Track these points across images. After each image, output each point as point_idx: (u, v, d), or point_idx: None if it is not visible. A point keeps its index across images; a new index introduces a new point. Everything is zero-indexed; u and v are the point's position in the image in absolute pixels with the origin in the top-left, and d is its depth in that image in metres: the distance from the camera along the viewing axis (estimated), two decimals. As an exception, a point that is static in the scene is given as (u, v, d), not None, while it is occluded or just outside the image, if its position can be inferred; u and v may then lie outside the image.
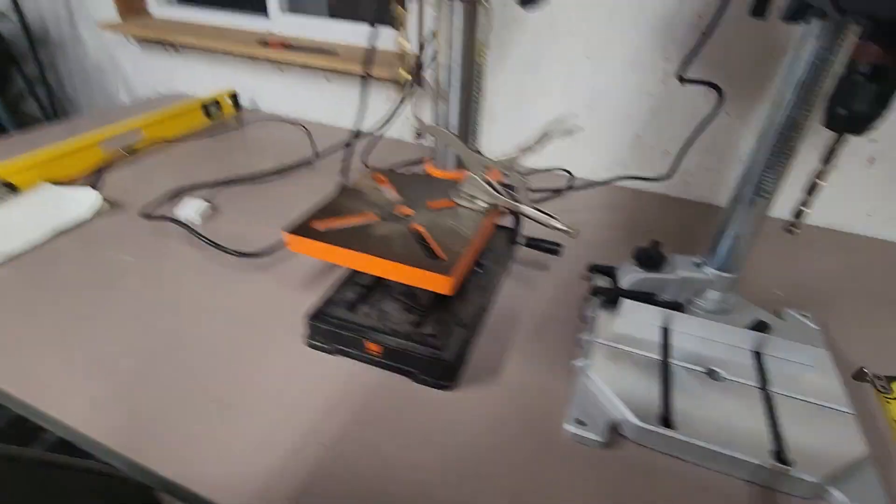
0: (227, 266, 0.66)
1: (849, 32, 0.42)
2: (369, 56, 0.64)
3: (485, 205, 0.53)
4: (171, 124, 1.04)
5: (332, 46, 1.11)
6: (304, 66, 1.12)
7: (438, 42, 0.54)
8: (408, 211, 0.52)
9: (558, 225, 0.48)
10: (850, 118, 0.34)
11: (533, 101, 0.95)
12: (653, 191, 0.93)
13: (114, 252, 0.68)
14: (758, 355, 0.54)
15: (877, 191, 0.80)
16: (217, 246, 0.67)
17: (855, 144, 0.77)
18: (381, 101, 1.09)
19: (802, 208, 0.39)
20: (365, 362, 0.53)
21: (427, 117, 1.07)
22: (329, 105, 1.16)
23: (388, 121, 1.05)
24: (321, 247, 0.47)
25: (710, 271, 0.57)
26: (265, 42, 1.11)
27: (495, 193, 0.51)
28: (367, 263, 0.46)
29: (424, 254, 0.46)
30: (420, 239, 0.48)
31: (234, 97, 1.19)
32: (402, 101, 0.97)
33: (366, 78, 0.66)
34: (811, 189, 0.38)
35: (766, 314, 0.59)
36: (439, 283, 0.44)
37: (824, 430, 0.46)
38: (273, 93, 1.22)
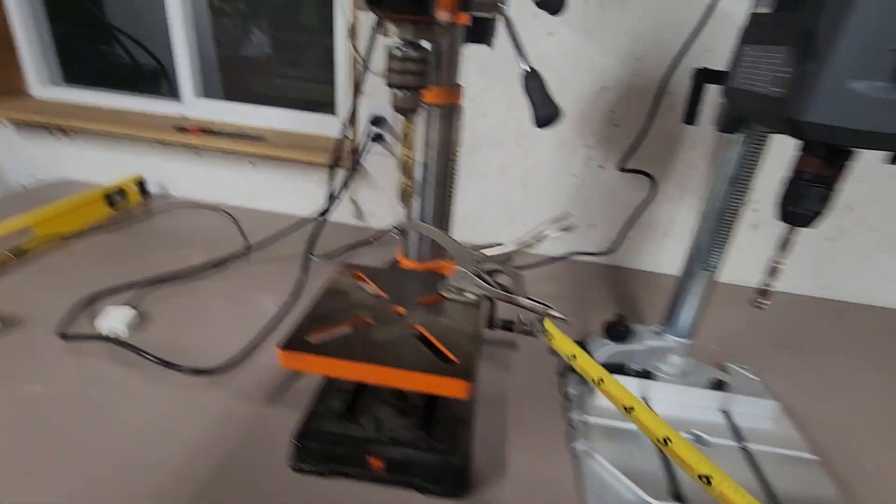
0: (175, 385, 0.58)
1: (773, 138, 0.51)
2: (337, 148, 0.63)
3: (474, 297, 0.53)
4: (69, 218, 0.92)
5: (256, 131, 1.08)
6: (229, 152, 1.07)
7: (414, 141, 0.56)
8: (401, 310, 0.51)
9: (555, 313, 0.49)
10: (800, 215, 0.41)
11: (471, 182, 1.00)
12: (584, 261, 1.01)
13: (20, 382, 0.56)
14: (726, 413, 0.59)
15: (761, 250, 0.95)
16: (167, 364, 0.59)
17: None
18: (312, 185, 1.08)
19: (766, 287, 0.45)
20: (365, 480, 0.48)
21: (365, 202, 1.07)
22: (253, 190, 1.11)
23: (329, 207, 1.03)
24: (323, 361, 0.44)
25: (670, 339, 0.63)
26: (182, 127, 1.04)
27: (489, 287, 0.52)
28: (376, 374, 0.43)
29: (435, 357, 0.44)
30: (424, 340, 0.47)
31: (140, 184, 1.09)
32: (345, 186, 0.97)
33: (332, 169, 0.65)
34: (772, 271, 0.45)
35: (718, 372, 0.66)
36: (458, 389, 0.42)
37: (800, 478, 0.51)
38: (187, 178, 1.14)
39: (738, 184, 0.54)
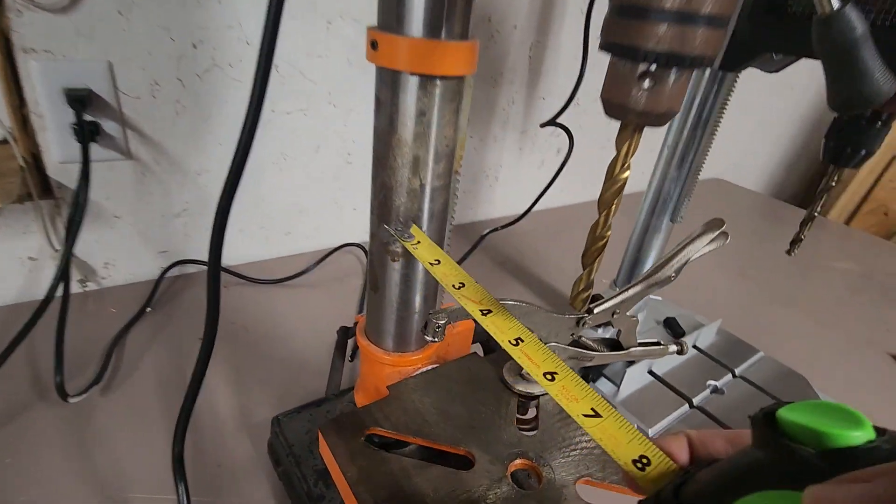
0: None
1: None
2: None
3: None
4: None
5: None
6: None
7: (397, 145, 0.29)
8: (527, 463, 0.29)
9: (673, 348, 0.37)
10: (854, 156, 0.39)
11: (276, 169, 0.67)
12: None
13: None
14: (698, 349, 0.61)
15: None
16: None
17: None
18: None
19: (801, 237, 0.44)
20: None
21: (91, 250, 0.59)
22: None
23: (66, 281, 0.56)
24: None
25: (637, 299, 0.59)
26: None
27: (594, 352, 0.34)
28: None
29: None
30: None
31: None
32: (70, 245, 0.51)
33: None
34: (807, 222, 0.43)
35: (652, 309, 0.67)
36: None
37: (770, 374, 0.58)
38: None
39: (707, 128, 0.50)
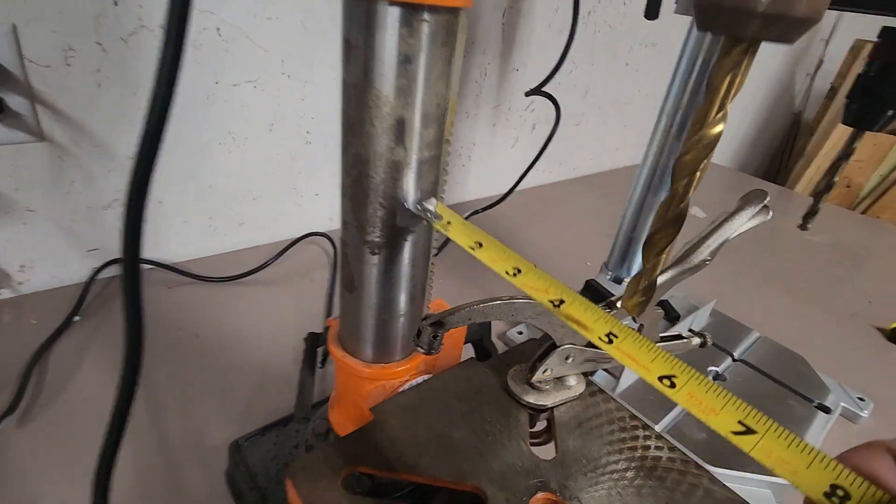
0: None
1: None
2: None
3: (575, 381, 0.30)
4: None
5: None
6: None
7: (374, 104, 0.22)
8: (550, 497, 0.23)
9: (696, 341, 0.33)
10: (879, 117, 0.36)
11: (223, 150, 0.59)
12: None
13: None
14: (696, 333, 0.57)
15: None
16: None
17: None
18: None
19: (816, 209, 0.40)
20: None
21: (6, 250, 0.49)
22: None
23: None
24: None
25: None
26: None
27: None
28: None
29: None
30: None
31: None
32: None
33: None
34: (822, 193, 0.40)
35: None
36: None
37: (770, 355, 0.55)
38: None
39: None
